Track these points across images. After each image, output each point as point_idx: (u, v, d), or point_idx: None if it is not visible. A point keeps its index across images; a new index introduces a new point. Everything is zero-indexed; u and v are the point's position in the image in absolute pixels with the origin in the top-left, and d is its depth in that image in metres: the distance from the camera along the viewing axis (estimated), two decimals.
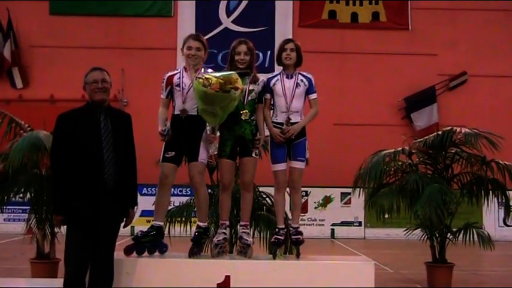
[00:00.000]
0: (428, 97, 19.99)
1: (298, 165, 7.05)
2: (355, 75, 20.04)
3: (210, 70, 6.77)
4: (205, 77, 6.51)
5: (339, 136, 19.60)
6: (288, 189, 7.16)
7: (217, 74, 6.61)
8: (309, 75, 7.18)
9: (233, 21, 20.12)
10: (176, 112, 6.90)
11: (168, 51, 18.70)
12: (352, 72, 20.07)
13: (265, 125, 7.12)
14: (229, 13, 20.20)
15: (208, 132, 6.82)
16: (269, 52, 19.41)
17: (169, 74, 7.01)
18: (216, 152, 7.01)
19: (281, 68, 7.22)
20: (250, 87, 6.95)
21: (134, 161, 6.24)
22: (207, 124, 6.80)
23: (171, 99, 6.97)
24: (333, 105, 18.54)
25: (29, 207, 9.46)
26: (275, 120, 7.09)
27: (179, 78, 6.93)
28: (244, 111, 6.91)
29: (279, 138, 6.98)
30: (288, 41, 7.29)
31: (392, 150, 9.91)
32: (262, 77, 7.13)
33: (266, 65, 19.31)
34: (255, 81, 7.02)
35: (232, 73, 6.69)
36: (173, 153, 6.80)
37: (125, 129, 6.20)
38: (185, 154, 6.91)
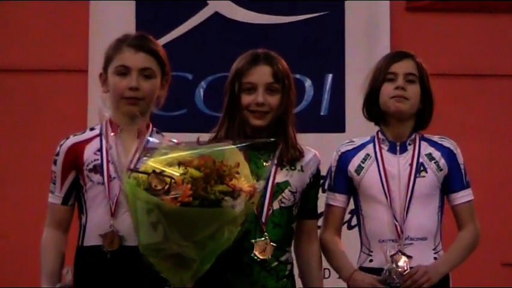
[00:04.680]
0: None
1: None
2: None
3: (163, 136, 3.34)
4: (155, 167, 2.64)
5: None
6: None
7: (186, 153, 2.79)
8: (449, 143, 3.56)
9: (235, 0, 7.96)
10: (91, 242, 3.30)
11: (64, 74, 7.04)
12: None
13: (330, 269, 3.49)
14: None
15: None
16: (330, 76, 7.66)
17: (74, 140, 3.37)
18: None
19: (375, 127, 3.50)
20: (281, 178, 3.23)
21: None
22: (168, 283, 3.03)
23: (75, 205, 3.36)
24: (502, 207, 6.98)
25: None
26: (366, 265, 3.42)
27: (99, 150, 3.26)
28: (261, 239, 3.15)
29: None
30: (398, 56, 3.56)
31: None
32: (314, 150, 3.48)
33: (322, 112, 7.68)
34: (292, 159, 3.26)
35: (229, 148, 2.88)
36: None
37: None
38: None
